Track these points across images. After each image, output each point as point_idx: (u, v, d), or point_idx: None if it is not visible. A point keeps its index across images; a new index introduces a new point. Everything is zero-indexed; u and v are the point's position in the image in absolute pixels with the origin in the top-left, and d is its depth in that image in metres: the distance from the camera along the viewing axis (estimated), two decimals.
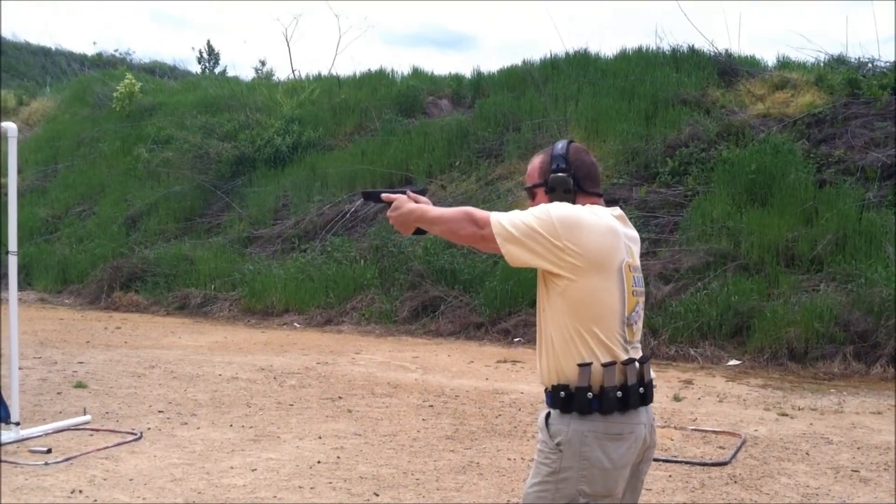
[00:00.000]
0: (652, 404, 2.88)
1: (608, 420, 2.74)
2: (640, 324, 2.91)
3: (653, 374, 2.92)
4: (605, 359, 2.74)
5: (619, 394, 2.74)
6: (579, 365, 2.74)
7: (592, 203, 2.89)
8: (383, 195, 3.05)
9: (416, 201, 2.99)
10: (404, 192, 3.03)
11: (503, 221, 2.77)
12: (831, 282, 10.48)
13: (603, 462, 2.72)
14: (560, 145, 2.98)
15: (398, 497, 5.26)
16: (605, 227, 2.79)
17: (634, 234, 2.97)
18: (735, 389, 8.63)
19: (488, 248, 2.84)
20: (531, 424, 7.10)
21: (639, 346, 2.88)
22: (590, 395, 2.73)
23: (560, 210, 2.77)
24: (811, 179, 12.02)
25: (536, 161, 3.00)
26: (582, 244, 2.72)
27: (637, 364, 2.80)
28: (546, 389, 2.85)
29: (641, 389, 2.80)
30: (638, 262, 2.92)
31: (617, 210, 2.93)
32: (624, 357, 2.77)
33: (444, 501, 5.19)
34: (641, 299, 2.90)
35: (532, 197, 3.00)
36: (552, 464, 2.76)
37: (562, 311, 2.78)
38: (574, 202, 2.87)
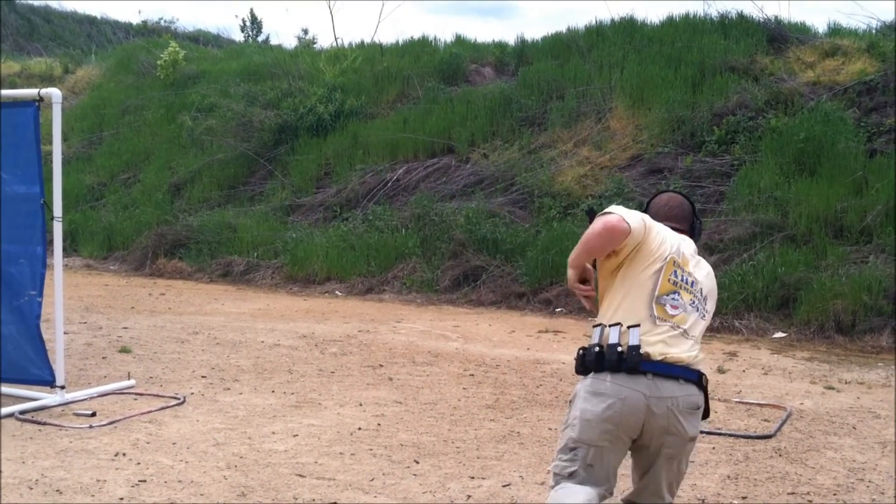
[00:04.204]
0: (690, 396, 3.32)
1: (595, 377, 3.31)
2: (682, 312, 3.37)
3: (686, 355, 3.30)
4: (622, 320, 3.32)
5: (624, 358, 3.25)
6: (594, 326, 3.40)
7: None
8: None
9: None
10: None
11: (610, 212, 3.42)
12: (881, 253, 10.27)
13: (586, 413, 3.30)
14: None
15: (438, 465, 5.26)
16: (664, 229, 3.48)
17: (697, 258, 3.57)
18: (780, 362, 8.51)
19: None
20: None
21: (678, 329, 3.33)
22: (596, 350, 3.31)
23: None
24: (861, 149, 11.77)
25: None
26: (649, 228, 3.39)
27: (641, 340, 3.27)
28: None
29: (646, 365, 3.25)
30: (690, 268, 3.47)
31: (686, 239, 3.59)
32: (627, 321, 3.31)
33: (484, 469, 5.17)
34: (684, 293, 3.40)
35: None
36: (565, 416, 3.45)
37: (610, 273, 3.43)
38: None
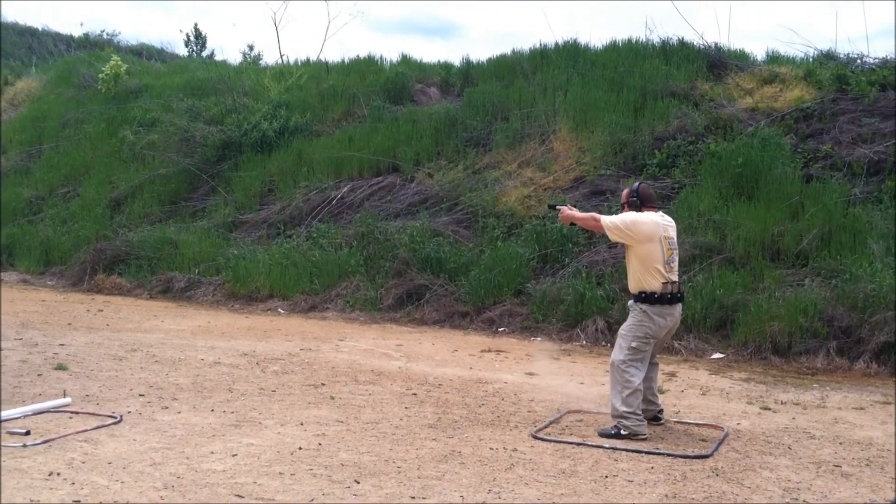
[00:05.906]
0: (681, 303, 6.74)
1: (659, 306, 6.50)
2: (676, 263, 6.61)
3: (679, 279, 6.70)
4: (660, 280, 6.45)
5: (669, 296, 6.50)
6: (652, 286, 6.53)
7: (648, 210, 6.65)
8: (558, 206, 7.08)
9: (571, 209, 6.99)
10: (564, 203, 7.72)
11: (609, 223, 6.59)
12: (816, 277, 10.49)
13: (659, 323, 6.53)
14: (635, 185, 6.82)
15: (379, 484, 5.24)
16: (650, 222, 6.53)
17: (671, 222, 6.73)
18: (718, 383, 8.64)
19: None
20: (514, 414, 7.09)
21: (677, 271, 6.60)
22: (655, 295, 6.48)
23: (630, 216, 6.59)
24: (798, 174, 12.03)
25: (625, 192, 6.83)
26: (638, 231, 6.51)
27: (671, 284, 6.51)
28: (633, 293, 6.62)
29: (678, 294, 6.60)
30: (671, 234, 6.62)
31: (659, 213, 6.71)
32: (665, 279, 6.47)
33: (425, 489, 5.16)
34: (675, 252, 6.63)
35: (622, 207, 6.85)
36: (640, 318, 6.51)
37: (636, 258, 6.56)
38: (640, 210, 6.66)
